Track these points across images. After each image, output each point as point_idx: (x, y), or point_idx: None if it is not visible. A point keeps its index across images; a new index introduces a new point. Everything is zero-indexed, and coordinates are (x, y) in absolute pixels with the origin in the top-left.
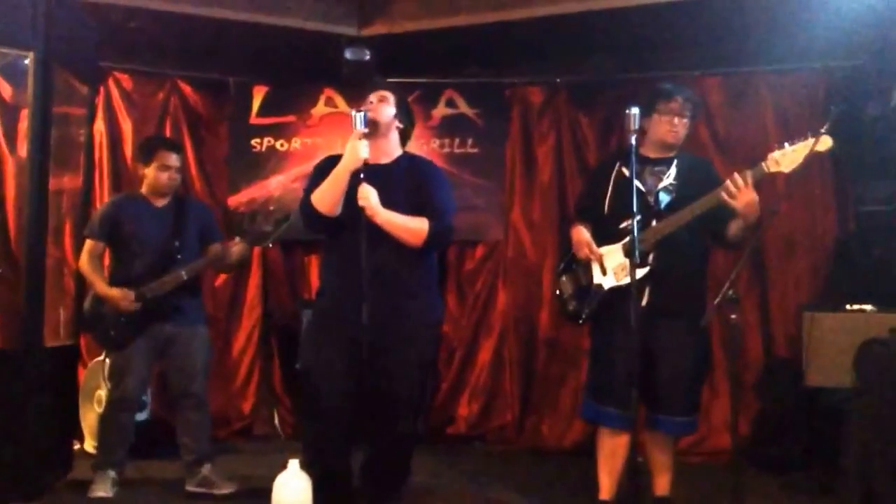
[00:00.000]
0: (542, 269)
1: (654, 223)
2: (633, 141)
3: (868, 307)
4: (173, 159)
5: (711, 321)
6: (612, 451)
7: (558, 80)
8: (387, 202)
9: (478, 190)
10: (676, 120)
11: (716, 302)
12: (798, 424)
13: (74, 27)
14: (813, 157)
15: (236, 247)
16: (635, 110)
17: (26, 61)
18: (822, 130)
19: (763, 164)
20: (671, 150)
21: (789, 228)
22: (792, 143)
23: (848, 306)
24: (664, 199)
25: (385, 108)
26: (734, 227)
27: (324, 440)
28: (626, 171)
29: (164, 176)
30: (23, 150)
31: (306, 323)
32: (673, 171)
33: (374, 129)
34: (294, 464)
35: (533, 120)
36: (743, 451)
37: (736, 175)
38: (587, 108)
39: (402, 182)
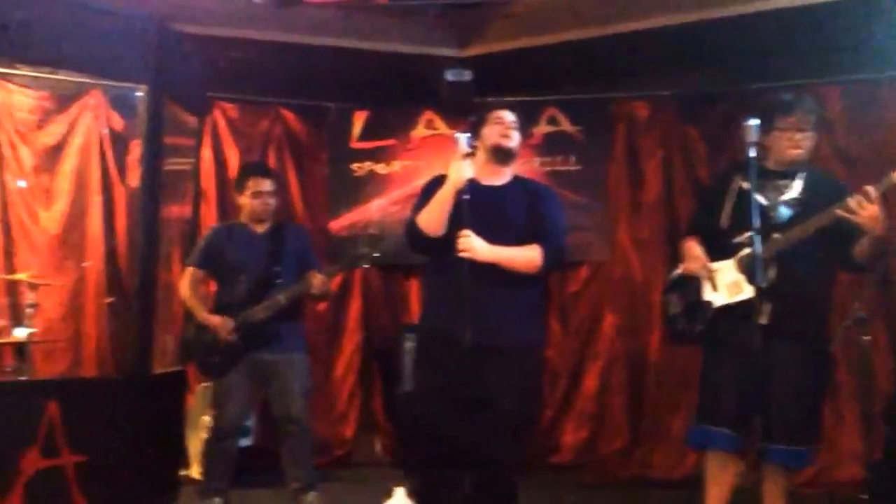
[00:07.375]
0: (651, 290)
1: (773, 236)
2: (751, 154)
3: None
4: (265, 185)
5: (837, 344)
6: (721, 476)
7: (668, 93)
8: (501, 223)
9: (580, 208)
10: (798, 135)
11: (845, 323)
12: None
13: (182, 59)
14: None
15: (315, 278)
16: (753, 122)
17: (137, 94)
18: None
19: (894, 174)
20: (796, 165)
21: None
22: None
23: None
24: (785, 213)
25: (517, 135)
26: (859, 248)
27: (432, 466)
28: (745, 185)
29: (258, 202)
30: (133, 179)
31: (407, 347)
32: (798, 184)
33: (508, 160)
34: (400, 491)
35: (639, 135)
36: (871, 482)
37: (865, 189)
38: (697, 121)
39: (517, 203)
